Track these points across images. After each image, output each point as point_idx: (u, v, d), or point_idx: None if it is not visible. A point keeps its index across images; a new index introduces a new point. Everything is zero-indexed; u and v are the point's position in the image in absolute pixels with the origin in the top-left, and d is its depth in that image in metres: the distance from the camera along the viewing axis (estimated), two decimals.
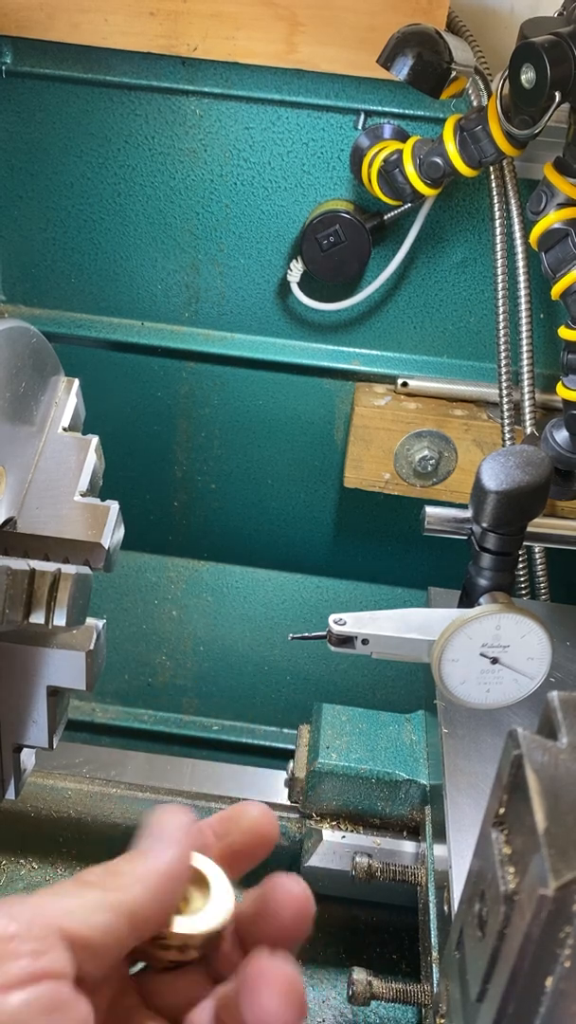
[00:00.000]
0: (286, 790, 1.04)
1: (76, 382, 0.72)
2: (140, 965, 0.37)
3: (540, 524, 0.74)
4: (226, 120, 1.06)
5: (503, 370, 1.07)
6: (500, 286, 1.04)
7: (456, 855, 0.76)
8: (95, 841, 1.08)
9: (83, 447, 0.68)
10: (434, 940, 0.83)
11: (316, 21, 0.97)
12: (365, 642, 0.59)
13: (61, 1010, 0.30)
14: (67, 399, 0.71)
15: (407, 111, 1.03)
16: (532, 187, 0.91)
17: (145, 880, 0.34)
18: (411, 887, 0.94)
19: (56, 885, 0.34)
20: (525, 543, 0.66)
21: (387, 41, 0.87)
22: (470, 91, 0.97)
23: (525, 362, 1.06)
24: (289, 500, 1.31)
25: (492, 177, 1.01)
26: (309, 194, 1.10)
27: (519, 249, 1.01)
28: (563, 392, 0.94)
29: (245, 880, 0.38)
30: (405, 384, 1.16)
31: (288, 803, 1.05)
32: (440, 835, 0.83)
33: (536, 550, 1.14)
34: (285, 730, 1.39)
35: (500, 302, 1.05)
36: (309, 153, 1.07)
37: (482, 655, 0.60)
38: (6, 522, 0.62)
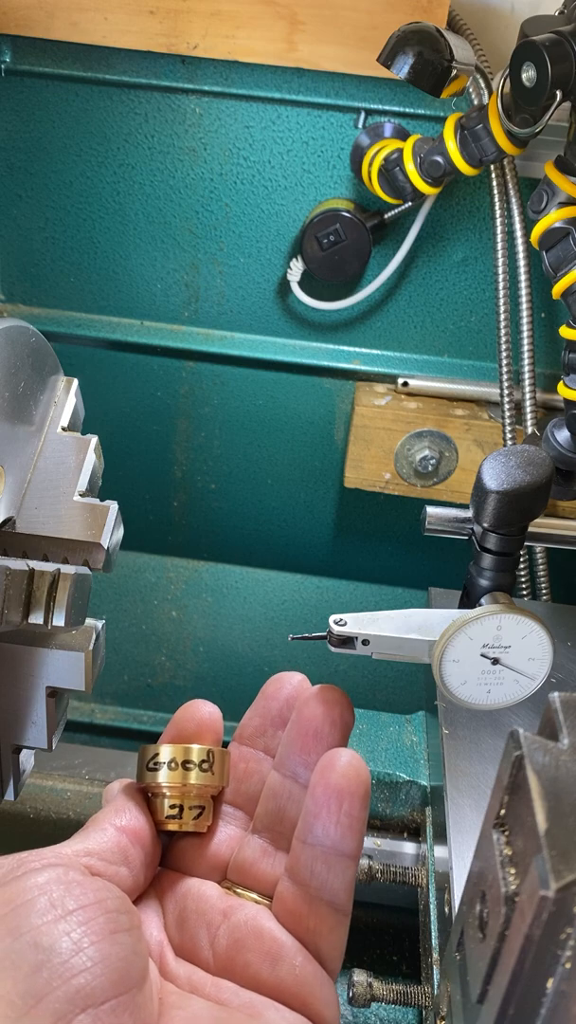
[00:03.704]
0: None
1: (75, 381, 0.72)
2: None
3: (541, 524, 0.74)
4: (226, 119, 1.06)
5: (504, 369, 1.06)
6: (501, 285, 1.04)
7: (457, 856, 0.76)
8: None
9: (82, 447, 0.68)
10: (435, 941, 0.82)
11: (316, 20, 0.97)
12: (365, 643, 0.59)
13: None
14: (66, 398, 0.70)
15: (408, 110, 1.03)
16: (533, 186, 0.90)
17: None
18: (411, 888, 0.94)
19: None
20: (526, 543, 0.66)
21: (387, 39, 0.87)
22: (471, 90, 0.97)
23: (526, 361, 1.06)
24: (289, 500, 1.31)
25: (493, 176, 1.00)
26: (309, 193, 1.09)
27: (520, 248, 1.01)
28: (564, 391, 0.94)
29: None
30: (406, 384, 1.16)
31: None
32: (441, 836, 0.83)
33: (537, 550, 1.14)
34: None
35: (501, 301, 1.05)
36: (309, 152, 1.07)
37: (483, 656, 0.60)
38: (4, 522, 0.61)
